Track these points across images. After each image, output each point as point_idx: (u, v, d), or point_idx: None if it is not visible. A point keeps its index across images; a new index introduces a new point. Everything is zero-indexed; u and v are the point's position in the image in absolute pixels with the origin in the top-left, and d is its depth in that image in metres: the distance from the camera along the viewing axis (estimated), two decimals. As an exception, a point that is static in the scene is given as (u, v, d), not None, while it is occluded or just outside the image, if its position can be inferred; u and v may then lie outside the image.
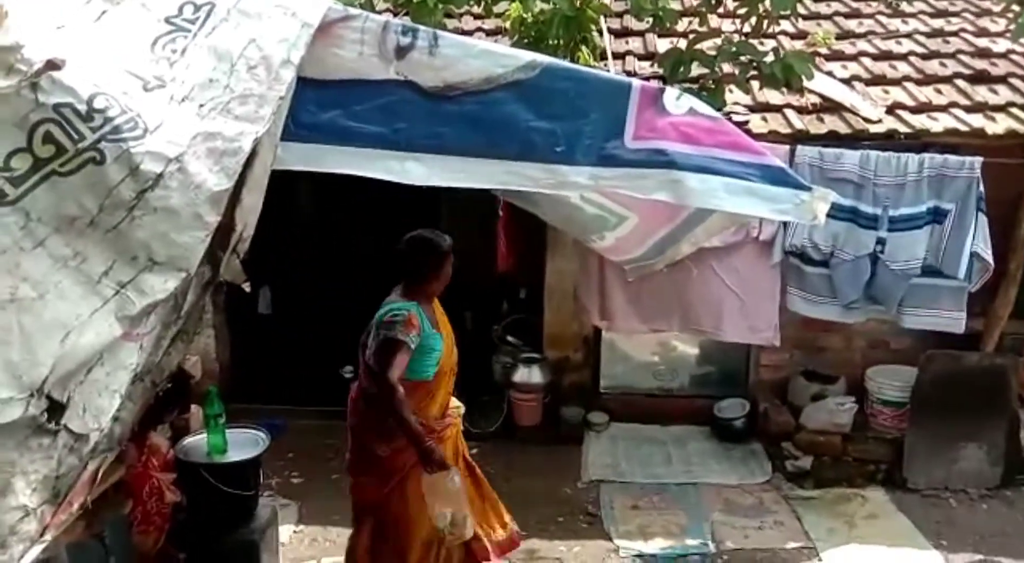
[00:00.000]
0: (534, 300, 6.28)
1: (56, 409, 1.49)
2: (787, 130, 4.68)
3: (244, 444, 3.76)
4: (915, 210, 2.57)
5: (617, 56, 5.33)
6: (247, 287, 1.76)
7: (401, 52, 1.75)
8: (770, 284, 2.69)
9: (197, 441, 3.72)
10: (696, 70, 3.69)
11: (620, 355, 5.89)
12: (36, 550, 1.61)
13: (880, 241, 2.63)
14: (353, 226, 6.85)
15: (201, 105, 1.58)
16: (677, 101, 1.79)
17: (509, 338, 6.16)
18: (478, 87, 1.76)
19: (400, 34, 1.74)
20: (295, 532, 4.51)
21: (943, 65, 5.36)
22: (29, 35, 1.46)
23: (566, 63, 1.97)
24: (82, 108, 1.44)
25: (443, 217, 7.14)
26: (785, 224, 2.61)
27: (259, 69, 1.63)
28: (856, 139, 4.63)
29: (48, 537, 1.63)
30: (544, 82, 1.76)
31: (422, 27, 1.76)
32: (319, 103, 1.75)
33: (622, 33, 5.74)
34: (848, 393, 5.33)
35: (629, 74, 5.07)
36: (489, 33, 5.64)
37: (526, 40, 4.31)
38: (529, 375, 5.72)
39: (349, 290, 6.82)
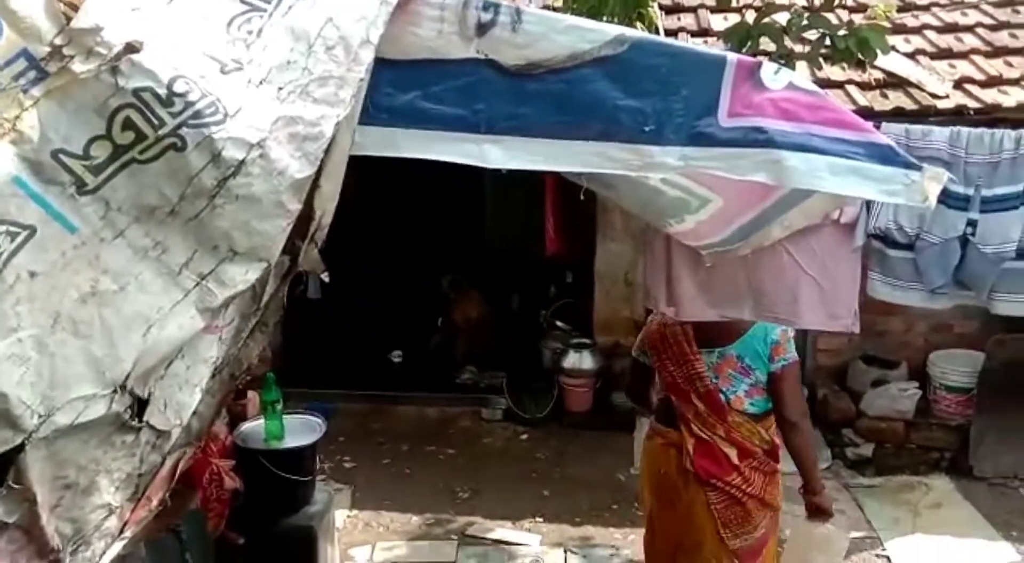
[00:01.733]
0: (581, 284, 6.20)
1: (138, 405, 1.45)
2: (850, 107, 4.51)
3: (300, 430, 3.76)
4: (1010, 190, 2.40)
5: (669, 33, 5.17)
6: (326, 277, 1.69)
7: (482, 29, 1.65)
8: (851, 268, 2.55)
9: (255, 427, 3.72)
10: (762, 46, 3.54)
11: (672, 339, 5.79)
12: (117, 547, 1.58)
13: (971, 223, 2.46)
14: (398, 209, 6.81)
15: (280, 88, 1.50)
16: (775, 75, 1.66)
17: (558, 323, 6.10)
18: (562, 64, 1.66)
19: (481, 10, 1.64)
20: (349, 517, 4.51)
21: (1013, 36, 5.14)
22: (106, 17, 1.40)
23: (657, 37, 1.86)
24: (162, 92, 1.38)
25: (487, 199, 7.06)
26: (868, 205, 2.47)
27: (337, 49, 1.55)
28: (923, 115, 4.45)
29: (128, 534, 1.59)
30: (633, 57, 1.64)
31: (504, 2, 1.66)
32: (396, 84, 1.66)
33: (673, 9, 5.58)
34: (910, 378, 5.18)
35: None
36: (536, 11, 5.51)
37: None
38: (579, 361, 5.65)
39: (395, 274, 6.82)
